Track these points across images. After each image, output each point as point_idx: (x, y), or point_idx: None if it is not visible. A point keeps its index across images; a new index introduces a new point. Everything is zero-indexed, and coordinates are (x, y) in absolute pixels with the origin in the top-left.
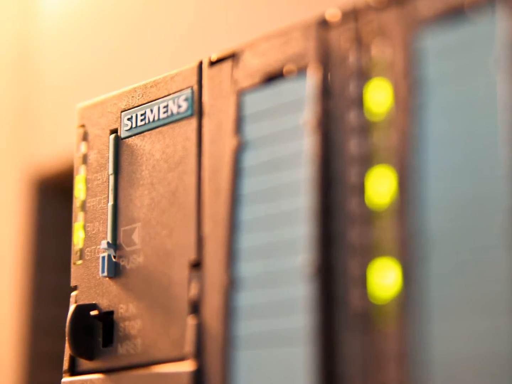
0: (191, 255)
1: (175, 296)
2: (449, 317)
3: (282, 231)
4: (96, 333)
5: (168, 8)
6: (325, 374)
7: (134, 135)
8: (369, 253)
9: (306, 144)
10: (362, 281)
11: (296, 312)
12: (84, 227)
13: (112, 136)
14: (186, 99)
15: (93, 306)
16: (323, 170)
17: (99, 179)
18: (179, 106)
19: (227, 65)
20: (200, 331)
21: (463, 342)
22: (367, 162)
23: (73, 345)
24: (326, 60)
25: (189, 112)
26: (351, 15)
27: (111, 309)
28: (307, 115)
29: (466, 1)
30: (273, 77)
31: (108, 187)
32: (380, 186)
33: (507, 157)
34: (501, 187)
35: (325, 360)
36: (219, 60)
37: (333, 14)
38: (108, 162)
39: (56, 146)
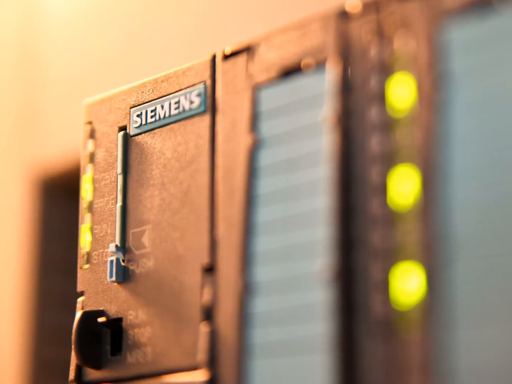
0: (204, 259)
1: (187, 302)
2: (475, 324)
3: (300, 234)
4: (104, 341)
5: None
6: None
7: (144, 132)
8: (392, 257)
9: (325, 142)
10: (384, 286)
11: (314, 318)
12: (91, 229)
13: (121, 133)
14: (198, 95)
15: (101, 313)
16: (343, 169)
17: (107, 178)
18: (191, 102)
19: (242, 58)
20: (213, 338)
21: (490, 350)
22: (389, 161)
23: (80, 354)
24: (346, 53)
25: (201, 108)
26: (373, 6)
27: (119, 315)
28: (326, 112)
29: None
30: (290, 71)
31: (117, 187)
32: (403, 186)
33: None
34: None
35: (345, 369)
36: (234, 54)
37: (353, 5)
38: (117, 161)
39: (62, 144)
